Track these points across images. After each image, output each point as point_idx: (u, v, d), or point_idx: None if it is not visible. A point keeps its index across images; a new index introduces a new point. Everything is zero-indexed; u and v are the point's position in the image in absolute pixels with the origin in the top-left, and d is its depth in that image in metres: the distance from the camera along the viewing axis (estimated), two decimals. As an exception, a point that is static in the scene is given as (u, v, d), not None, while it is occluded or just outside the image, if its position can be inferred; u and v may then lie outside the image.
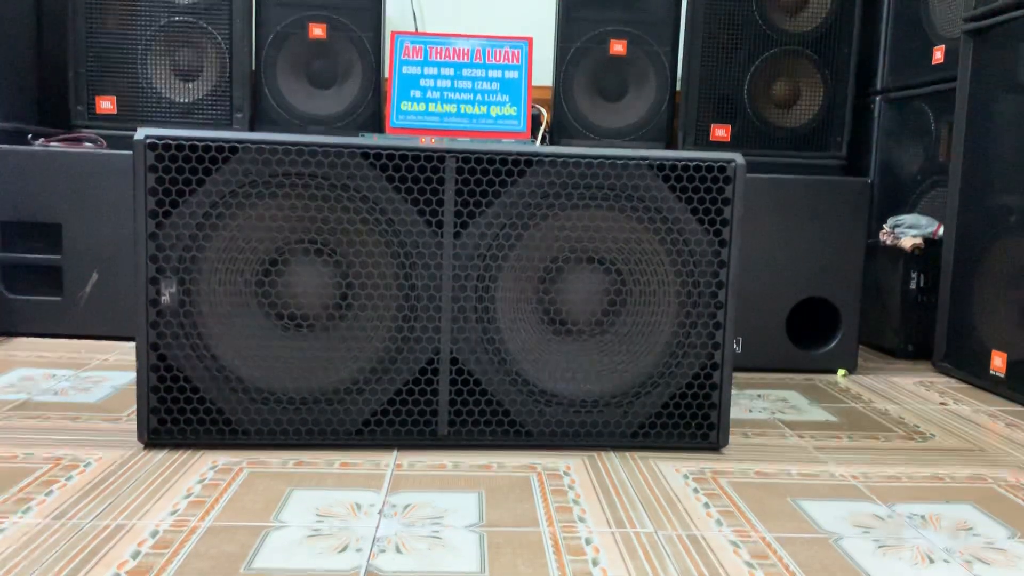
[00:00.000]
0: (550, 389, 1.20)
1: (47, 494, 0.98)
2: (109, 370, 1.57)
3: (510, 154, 1.16)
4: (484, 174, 1.16)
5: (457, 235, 1.16)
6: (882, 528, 0.99)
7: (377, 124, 2.18)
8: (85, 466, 1.08)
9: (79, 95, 2.07)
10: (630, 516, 0.99)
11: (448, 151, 1.15)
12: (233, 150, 1.12)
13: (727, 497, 1.06)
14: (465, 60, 2.16)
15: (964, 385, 1.72)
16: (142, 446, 1.15)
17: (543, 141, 2.24)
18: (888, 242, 1.94)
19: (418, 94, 2.15)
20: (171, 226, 1.12)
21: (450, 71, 2.16)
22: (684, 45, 2.17)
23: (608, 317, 1.22)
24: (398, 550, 0.88)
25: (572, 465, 1.15)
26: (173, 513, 0.95)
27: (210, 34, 2.08)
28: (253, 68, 2.14)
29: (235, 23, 2.08)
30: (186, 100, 2.10)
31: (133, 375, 1.51)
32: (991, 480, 1.17)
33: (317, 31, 2.13)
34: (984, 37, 1.73)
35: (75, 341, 1.79)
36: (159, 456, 1.12)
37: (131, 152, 1.30)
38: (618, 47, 2.18)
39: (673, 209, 1.19)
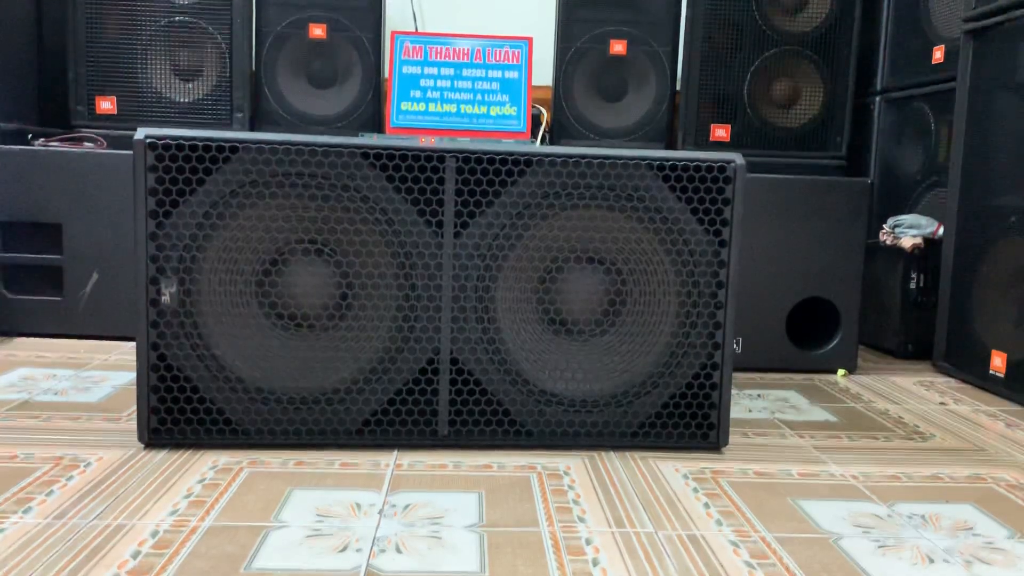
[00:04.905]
0: (550, 389, 1.20)
1: (47, 494, 0.98)
2: (109, 370, 1.57)
3: (510, 154, 1.16)
4: (484, 174, 1.16)
5: (457, 235, 1.16)
6: (882, 528, 0.99)
7: (377, 124, 2.18)
8: (85, 466, 1.08)
9: (79, 95, 2.07)
10: (630, 516, 0.99)
11: (448, 151, 1.15)
12: (233, 150, 1.12)
13: (727, 497, 1.06)
14: (465, 60, 2.16)
15: (964, 385, 1.72)
16: (142, 446, 1.15)
17: (543, 141, 2.24)
18: (888, 242, 1.94)
19: (418, 94, 2.15)
20: (171, 226, 1.12)
21: (450, 71, 2.16)
22: (684, 45, 2.17)
23: (608, 317, 1.22)
24: (398, 550, 0.88)
25: (572, 465, 1.15)
26: (173, 513, 0.95)
27: (210, 34, 2.08)
28: (253, 68, 2.14)
29: (235, 23, 2.08)
30: (186, 100, 2.10)
31: (133, 375, 1.51)
32: (991, 480, 1.17)
33: (317, 31, 2.13)
34: (984, 37, 1.73)
35: (75, 341, 1.79)
36: (159, 456, 1.12)
37: (131, 152, 1.30)
38: (618, 47, 2.18)
39: (673, 209, 1.19)
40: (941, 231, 1.87)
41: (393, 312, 1.17)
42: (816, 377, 1.73)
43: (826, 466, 1.20)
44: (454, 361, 1.18)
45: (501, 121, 2.15)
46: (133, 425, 1.23)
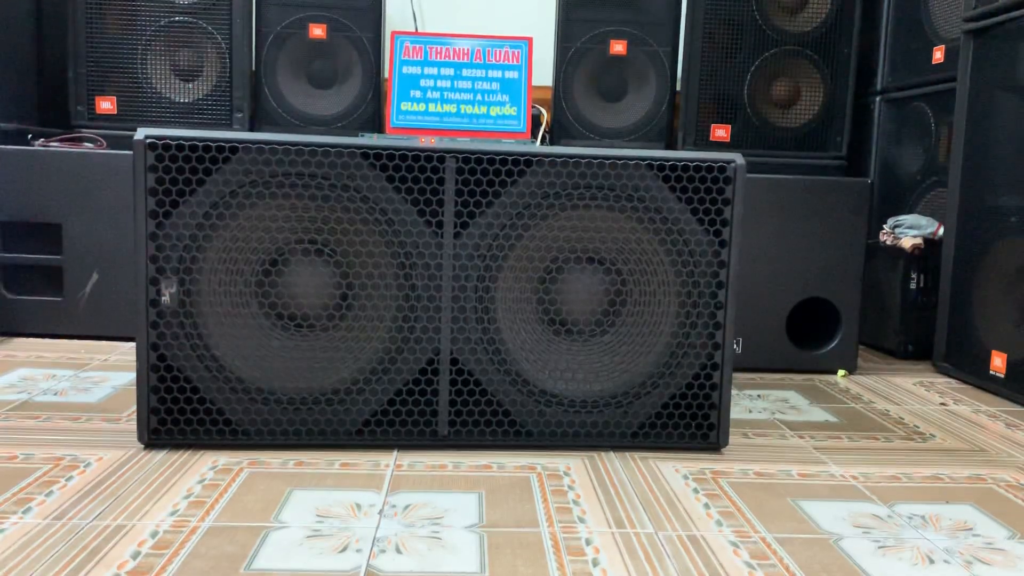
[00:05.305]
0: (550, 389, 1.20)
1: (47, 494, 0.98)
2: (109, 370, 1.57)
3: (510, 154, 1.16)
4: (484, 174, 1.16)
5: (457, 235, 1.16)
6: (882, 528, 0.99)
7: (377, 124, 2.18)
8: (85, 466, 1.08)
9: (79, 95, 2.07)
10: (630, 516, 0.99)
11: (448, 151, 1.15)
12: (233, 150, 1.12)
13: (727, 497, 1.06)
14: (465, 60, 2.15)
15: (964, 385, 1.72)
16: (142, 446, 1.15)
17: (543, 141, 2.24)
18: (888, 242, 1.94)
19: (418, 94, 2.15)
20: (171, 226, 1.12)
21: (450, 71, 2.16)
22: (684, 45, 2.17)
23: (608, 317, 1.22)
24: (398, 550, 0.88)
25: (572, 465, 1.15)
26: (173, 513, 0.95)
27: (210, 34, 2.08)
28: (253, 68, 2.14)
29: (235, 23, 2.07)
30: (186, 100, 2.10)
31: (133, 375, 1.51)
32: (991, 480, 1.17)
33: (317, 31, 2.13)
34: (984, 37, 1.73)
35: (75, 341, 1.79)
36: (159, 456, 1.12)
37: (131, 152, 1.30)
38: (618, 47, 2.18)
39: (673, 209, 1.19)
40: (941, 231, 1.87)
41: (393, 312, 1.17)
42: (816, 377, 1.73)
43: (826, 466, 1.20)
44: (454, 361, 1.18)
45: (501, 121, 2.15)
46: (133, 425, 1.23)
